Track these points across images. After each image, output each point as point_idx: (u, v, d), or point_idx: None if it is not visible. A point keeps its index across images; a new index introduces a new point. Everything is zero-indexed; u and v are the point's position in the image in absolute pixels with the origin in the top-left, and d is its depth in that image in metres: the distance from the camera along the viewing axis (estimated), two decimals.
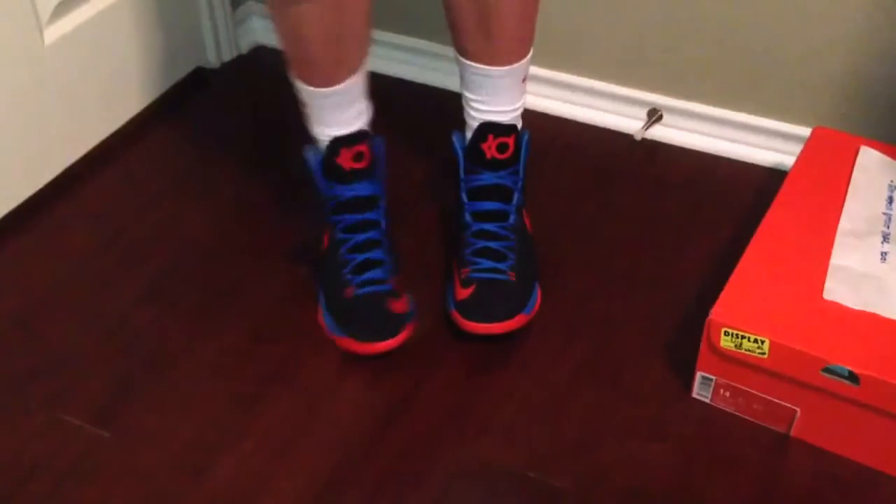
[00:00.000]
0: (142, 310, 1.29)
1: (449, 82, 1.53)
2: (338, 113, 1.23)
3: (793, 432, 1.13)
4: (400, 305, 1.21)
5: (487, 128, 1.24)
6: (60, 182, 1.48)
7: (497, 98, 1.25)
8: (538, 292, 1.26)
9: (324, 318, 1.24)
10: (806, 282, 1.14)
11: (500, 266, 1.22)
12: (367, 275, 1.22)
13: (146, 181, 1.51)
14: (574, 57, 1.57)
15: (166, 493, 1.08)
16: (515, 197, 1.27)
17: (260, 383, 1.19)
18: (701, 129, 1.54)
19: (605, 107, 1.58)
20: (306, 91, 1.22)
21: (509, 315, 1.20)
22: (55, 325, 1.27)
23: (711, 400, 1.17)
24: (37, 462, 1.11)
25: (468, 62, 1.23)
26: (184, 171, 1.52)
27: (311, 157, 1.24)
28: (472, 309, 1.20)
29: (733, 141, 1.53)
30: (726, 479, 1.09)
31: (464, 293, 1.21)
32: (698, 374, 1.16)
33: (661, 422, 1.15)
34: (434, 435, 1.14)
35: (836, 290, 1.12)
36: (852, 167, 1.29)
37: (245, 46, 1.77)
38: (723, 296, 1.12)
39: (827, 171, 1.30)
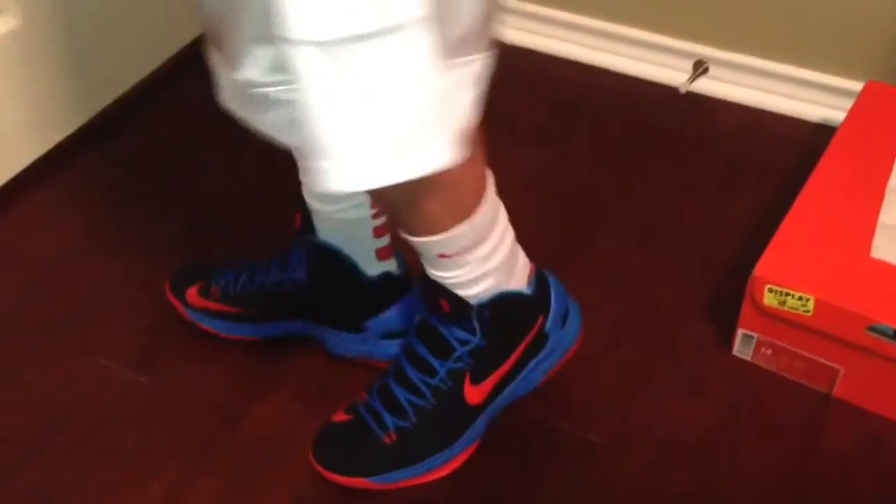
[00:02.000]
0: (174, 259, 1.29)
1: None
2: None
3: (835, 392, 1.11)
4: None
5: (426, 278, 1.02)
6: (87, 133, 1.47)
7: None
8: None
9: None
10: (853, 239, 1.11)
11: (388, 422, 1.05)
12: None
13: (171, 134, 1.50)
14: (618, 5, 1.53)
15: (201, 440, 1.09)
16: (454, 356, 1.03)
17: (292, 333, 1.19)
18: (748, 82, 1.50)
19: (649, 58, 1.55)
20: None
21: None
22: (88, 272, 1.28)
23: (752, 358, 1.15)
24: (74, 405, 1.12)
25: None
26: (204, 127, 1.51)
27: None
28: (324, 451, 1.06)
29: (782, 95, 1.49)
30: (764, 437, 1.08)
31: (340, 416, 1.07)
32: (739, 332, 1.14)
33: (699, 379, 1.14)
34: None
35: (884, 247, 1.09)
36: None
37: None
38: (768, 252, 1.10)
39: (878, 127, 1.26)
